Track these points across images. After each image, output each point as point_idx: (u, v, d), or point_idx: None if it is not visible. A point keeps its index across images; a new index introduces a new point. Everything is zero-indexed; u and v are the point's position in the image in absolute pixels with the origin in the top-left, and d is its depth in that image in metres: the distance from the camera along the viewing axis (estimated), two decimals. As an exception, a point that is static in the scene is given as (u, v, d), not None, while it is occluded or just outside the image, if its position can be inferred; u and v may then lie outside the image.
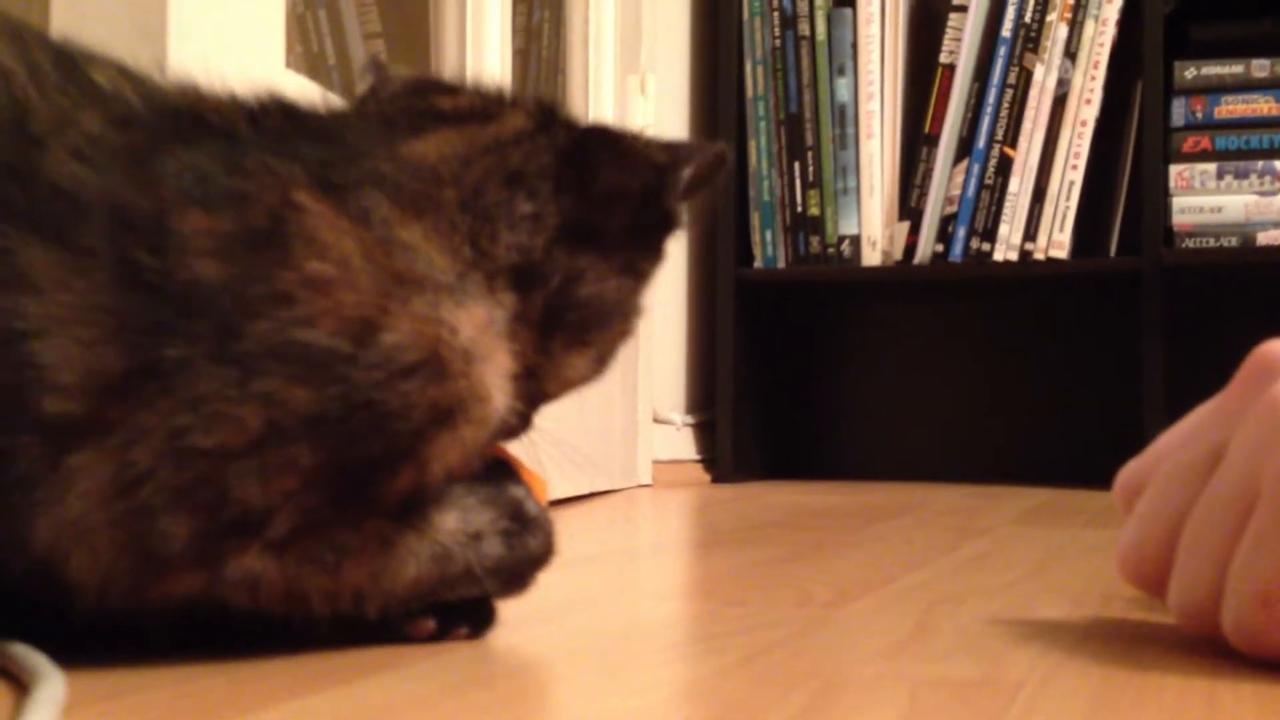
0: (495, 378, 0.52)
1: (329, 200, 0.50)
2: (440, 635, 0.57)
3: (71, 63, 0.52)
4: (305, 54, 1.74)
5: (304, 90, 1.16)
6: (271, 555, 0.49)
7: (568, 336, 0.56)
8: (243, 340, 0.47)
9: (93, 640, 0.51)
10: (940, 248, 1.97)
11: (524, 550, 0.56)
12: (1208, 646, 0.57)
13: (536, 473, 0.60)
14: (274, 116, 0.53)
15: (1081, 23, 1.95)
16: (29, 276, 0.47)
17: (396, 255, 0.50)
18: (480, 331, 0.52)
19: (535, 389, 0.57)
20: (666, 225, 0.59)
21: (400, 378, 0.49)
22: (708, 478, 2.05)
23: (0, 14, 0.53)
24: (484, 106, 0.58)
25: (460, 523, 0.54)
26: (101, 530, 0.47)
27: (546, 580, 0.58)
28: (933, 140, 1.99)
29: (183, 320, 0.47)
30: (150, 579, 0.49)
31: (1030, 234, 1.94)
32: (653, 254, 0.60)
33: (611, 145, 0.58)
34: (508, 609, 0.59)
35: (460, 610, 0.57)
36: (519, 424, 0.58)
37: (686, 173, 0.58)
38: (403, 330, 0.49)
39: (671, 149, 0.59)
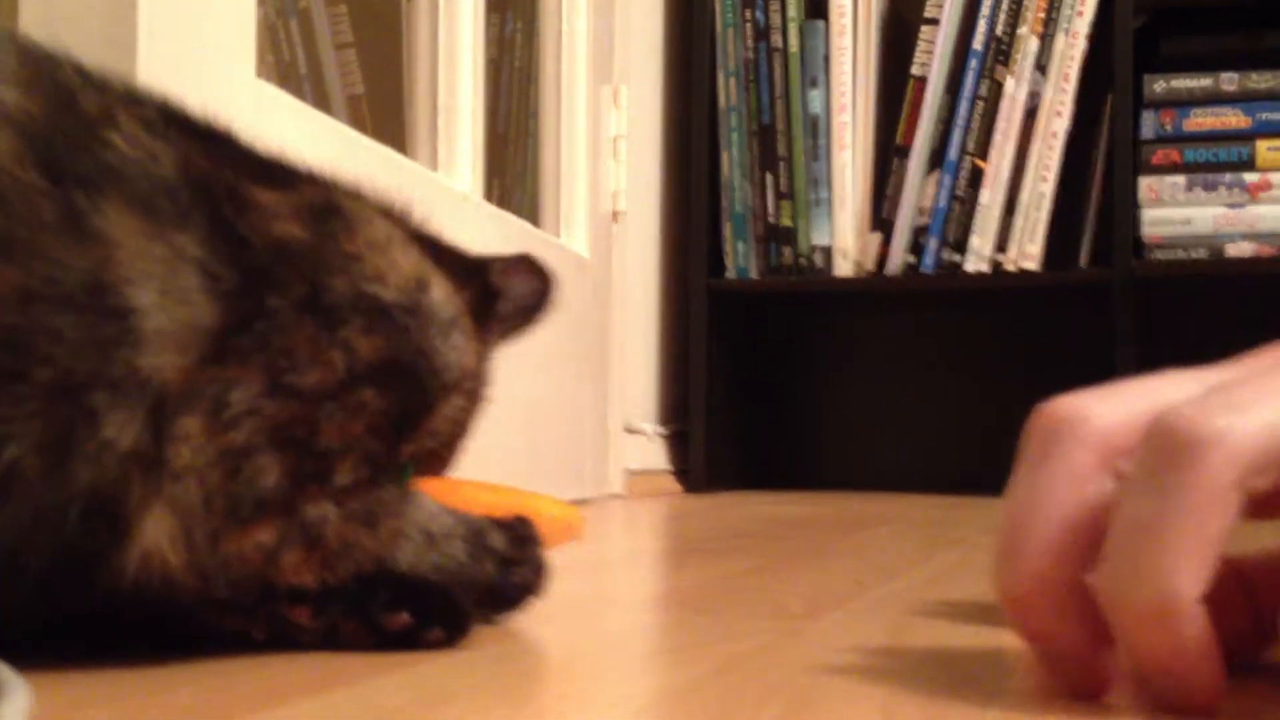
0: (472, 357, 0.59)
1: (334, 186, 0.57)
2: (414, 632, 0.56)
3: (93, 76, 0.53)
4: (276, 63, 1.74)
5: (275, 99, 1.15)
6: (335, 504, 0.52)
7: None
8: (328, 293, 0.52)
9: (53, 645, 0.50)
10: (912, 259, 1.98)
11: (482, 570, 0.59)
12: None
13: (555, 516, 0.65)
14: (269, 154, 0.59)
15: (1052, 36, 1.96)
16: (112, 235, 0.47)
17: (407, 238, 0.57)
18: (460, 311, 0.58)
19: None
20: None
21: (449, 330, 0.55)
22: (680, 488, 2.05)
23: (24, 37, 0.54)
24: None
25: (436, 510, 0.58)
26: (199, 473, 0.48)
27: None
28: (904, 152, 2.00)
29: (277, 271, 0.51)
30: (239, 523, 0.49)
31: (1001, 245, 1.95)
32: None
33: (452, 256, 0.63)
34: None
35: (434, 608, 0.57)
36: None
37: (498, 284, 0.64)
38: (441, 289, 0.56)
39: (485, 264, 0.65)
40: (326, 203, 0.54)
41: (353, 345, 0.52)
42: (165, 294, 0.47)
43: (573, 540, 0.71)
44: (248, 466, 0.49)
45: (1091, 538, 0.45)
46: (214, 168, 0.51)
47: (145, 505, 0.48)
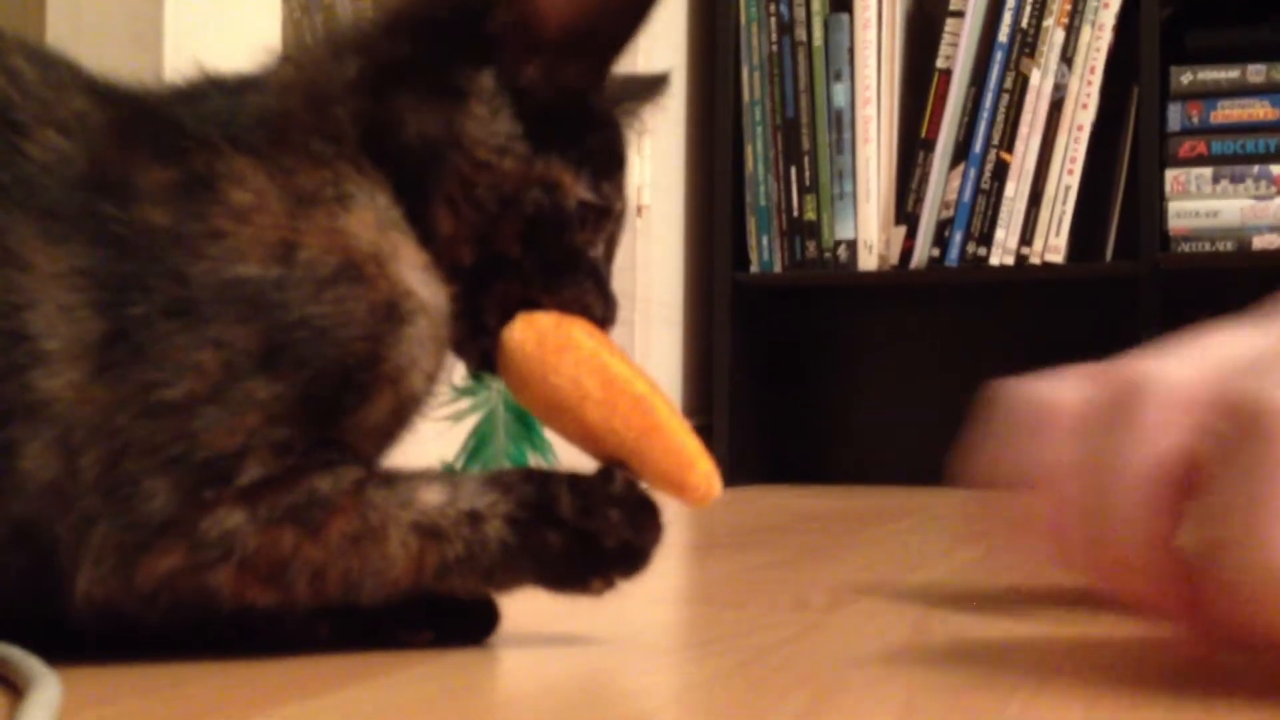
0: (409, 271, 0.53)
1: (235, 144, 0.53)
2: (440, 640, 0.56)
3: (52, 63, 0.53)
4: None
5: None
6: (246, 508, 0.49)
7: (418, 194, 0.55)
8: (189, 286, 0.49)
9: (88, 644, 0.51)
10: (936, 252, 1.98)
11: (543, 544, 0.53)
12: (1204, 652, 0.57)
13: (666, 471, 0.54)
14: (198, 88, 0.56)
15: (1078, 28, 1.95)
16: (20, 253, 0.48)
17: (289, 178, 0.52)
18: (375, 231, 0.53)
19: (445, 262, 0.55)
20: (478, 38, 0.56)
21: (326, 287, 0.50)
22: (704, 482, 2.05)
23: None
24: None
25: (445, 497, 0.52)
26: (100, 508, 0.48)
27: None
28: (929, 145, 2.00)
29: (142, 272, 0.49)
30: (136, 552, 0.48)
31: (1026, 238, 1.95)
32: (462, 69, 0.56)
33: None
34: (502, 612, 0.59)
35: (461, 614, 0.57)
36: (471, 326, 0.56)
37: None
38: (315, 245, 0.51)
39: None
40: (200, 173, 0.51)
41: (225, 340, 0.49)
42: (57, 313, 0.48)
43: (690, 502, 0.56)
44: (136, 494, 0.48)
45: (1181, 496, 0.45)
46: (118, 156, 0.51)
47: (70, 540, 0.48)
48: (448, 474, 0.54)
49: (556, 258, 0.57)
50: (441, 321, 0.54)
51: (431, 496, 0.52)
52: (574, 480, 0.54)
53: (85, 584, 0.49)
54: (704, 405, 2.10)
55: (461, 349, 0.58)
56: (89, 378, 0.48)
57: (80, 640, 0.50)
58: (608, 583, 0.54)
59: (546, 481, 0.54)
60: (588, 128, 0.58)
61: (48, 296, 0.48)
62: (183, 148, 0.52)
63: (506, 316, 0.56)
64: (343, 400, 0.51)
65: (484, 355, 0.57)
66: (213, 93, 0.56)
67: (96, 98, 0.52)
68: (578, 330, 0.56)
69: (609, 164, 0.60)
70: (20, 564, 0.49)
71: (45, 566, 0.49)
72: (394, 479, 0.52)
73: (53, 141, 0.50)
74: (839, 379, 2.27)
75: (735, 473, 2.04)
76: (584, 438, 0.56)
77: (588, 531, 0.53)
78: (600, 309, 0.58)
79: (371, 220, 0.53)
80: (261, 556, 0.50)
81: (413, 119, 0.55)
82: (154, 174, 0.51)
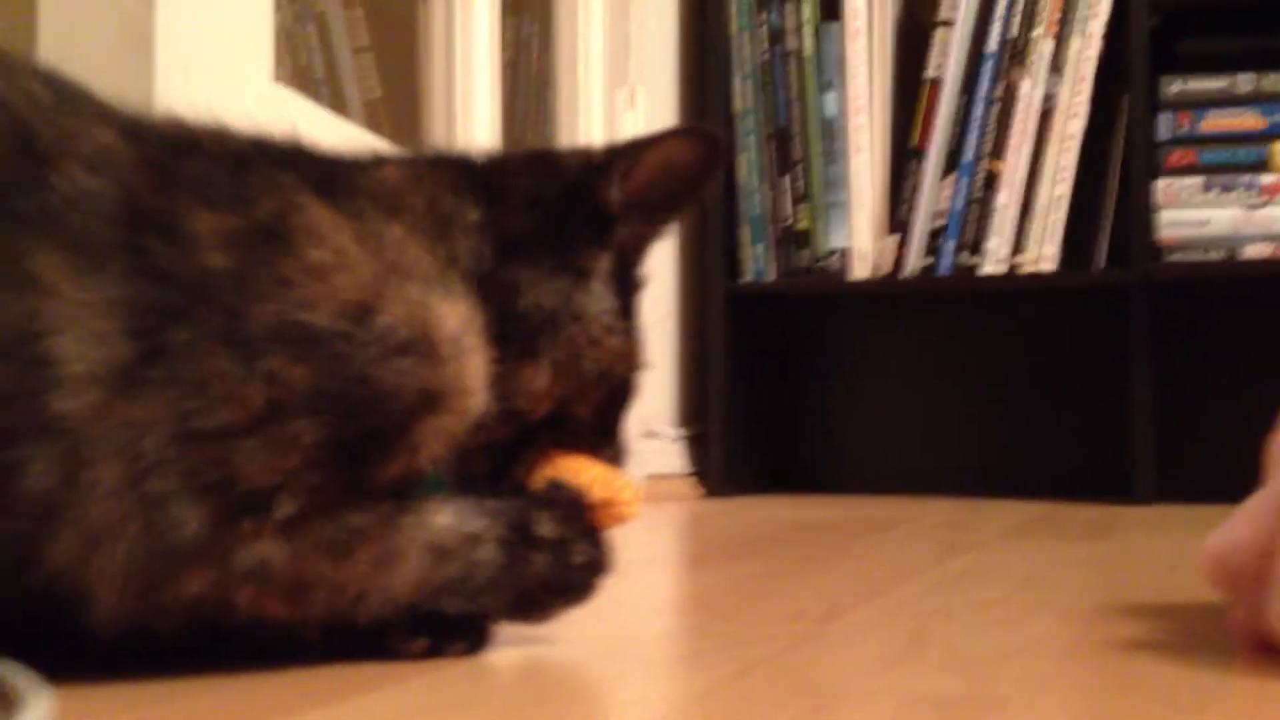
0: (477, 372, 0.55)
1: (326, 201, 0.54)
2: (434, 652, 0.56)
3: (65, 87, 0.54)
4: (294, 67, 1.74)
5: (292, 103, 1.16)
6: (282, 540, 0.50)
7: (519, 349, 0.58)
8: (247, 322, 0.50)
9: (86, 657, 0.51)
10: (929, 261, 1.98)
11: (528, 567, 0.56)
12: (1193, 662, 0.58)
13: (616, 489, 0.59)
14: (275, 144, 0.57)
15: (1067, 38, 1.96)
16: (43, 280, 0.48)
17: (387, 247, 0.54)
18: (464, 325, 0.55)
19: (508, 404, 0.57)
20: (599, 218, 0.61)
21: (394, 355, 0.52)
22: (699, 491, 2.05)
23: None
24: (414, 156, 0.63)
25: (454, 519, 0.55)
26: (118, 527, 0.48)
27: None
28: (920, 154, 2.00)
29: (192, 305, 0.49)
30: (164, 575, 0.49)
31: (1018, 247, 1.95)
32: (589, 249, 0.60)
33: (527, 157, 0.63)
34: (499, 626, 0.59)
35: (455, 626, 0.57)
36: (510, 443, 0.58)
37: (624, 165, 0.61)
38: (396, 313, 0.52)
39: (614, 147, 0.62)
40: (268, 224, 0.52)
41: (279, 376, 0.49)
42: (84, 340, 0.48)
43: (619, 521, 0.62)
44: (165, 518, 0.48)
45: None
46: (157, 198, 0.51)
47: (79, 555, 0.48)
48: (448, 496, 0.56)
49: (616, 420, 0.62)
50: (466, 428, 0.56)
51: (443, 519, 0.55)
52: (543, 500, 0.58)
53: (110, 603, 0.49)
54: (698, 414, 2.10)
55: (468, 467, 0.58)
56: (112, 396, 0.48)
57: (78, 654, 0.50)
58: (568, 604, 0.58)
59: (526, 504, 0.57)
60: (635, 292, 0.64)
61: (76, 323, 0.48)
62: (246, 196, 0.52)
63: (532, 463, 0.60)
64: (371, 457, 0.53)
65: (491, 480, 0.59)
66: (293, 151, 0.57)
67: (120, 131, 0.53)
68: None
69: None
70: (16, 579, 0.49)
71: (42, 581, 0.48)
72: (415, 504, 0.54)
73: (78, 175, 0.50)
74: (832, 387, 2.27)
75: (730, 482, 2.04)
76: None
77: (564, 547, 0.57)
78: (624, 462, 0.63)
79: (465, 313, 0.55)
80: (289, 579, 0.51)
81: (531, 291, 0.59)
82: (206, 218, 0.51)
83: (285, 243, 0.51)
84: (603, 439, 0.62)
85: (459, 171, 0.60)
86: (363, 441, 0.52)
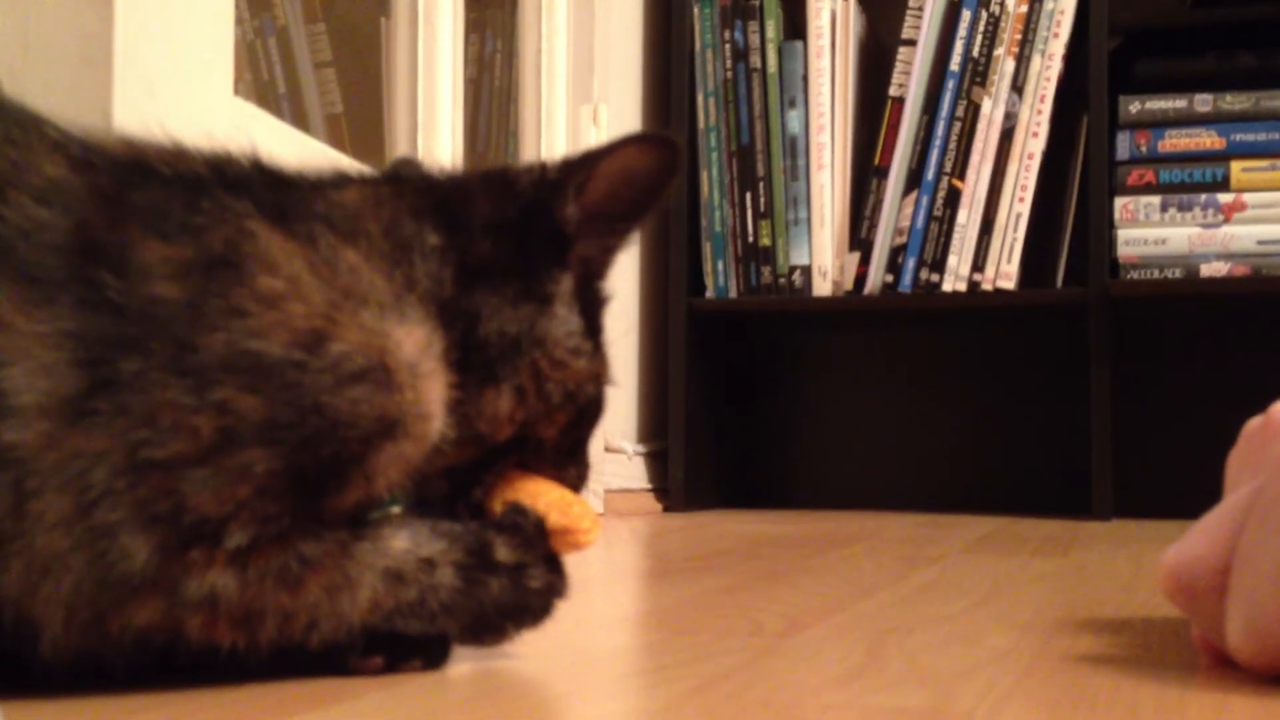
0: (436, 397, 0.55)
1: (279, 228, 0.53)
2: (389, 669, 0.56)
3: (14, 115, 0.53)
4: (255, 82, 1.74)
5: (253, 118, 1.15)
6: (233, 569, 0.50)
7: (480, 375, 0.57)
8: (198, 352, 0.49)
9: (29, 678, 0.50)
10: (890, 278, 1.99)
11: (485, 591, 0.56)
12: (1153, 676, 0.58)
13: (574, 517, 0.59)
14: (231, 166, 0.56)
15: (1028, 57, 1.98)
16: None
17: (341, 274, 0.53)
18: (422, 351, 0.54)
19: (469, 429, 0.57)
20: (558, 240, 0.60)
21: (349, 383, 0.51)
22: (659, 507, 2.05)
23: None
24: (374, 176, 0.62)
25: (410, 543, 0.55)
26: (66, 557, 0.47)
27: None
28: (882, 172, 2.01)
29: (142, 336, 0.49)
30: (113, 605, 0.49)
31: (978, 265, 1.96)
32: (550, 271, 0.60)
33: (485, 177, 0.62)
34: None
35: (412, 643, 0.56)
36: (470, 466, 0.58)
37: (579, 179, 0.60)
38: (350, 340, 0.52)
39: (569, 161, 0.61)
40: (219, 253, 0.51)
41: (230, 406, 0.49)
42: (34, 371, 0.47)
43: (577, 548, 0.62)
44: (113, 548, 0.48)
45: None
46: (108, 229, 0.50)
47: (25, 583, 0.48)
48: (405, 518, 0.55)
49: (583, 440, 0.62)
50: (424, 454, 0.55)
51: (399, 543, 0.54)
52: (500, 525, 0.58)
53: (58, 633, 0.49)
54: (659, 430, 2.10)
55: (425, 490, 0.58)
56: (61, 426, 0.47)
57: (21, 673, 0.50)
58: (524, 627, 0.58)
59: (484, 528, 0.57)
60: (600, 307, 0.63)
61: (26, 355, 0.48)
62: (197, 225, 0.52)
63: (492, 485, 0.59)
64: (326, 486, 0.52)
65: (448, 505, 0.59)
66: (249, 173, 0.56)
67: (70, 161, 0.52)
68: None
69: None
70: None
71: None
72: (369, 530, 0.54)
73: (28, 207, 0.50)
74: (793, 404, 2.27)
75: (691, 497, 2.04)
76: None
77: (521, 571, 0.57)
78: (585, 483, 0.63)
79: (422, 338, 0.54)
80: (240, 609, 0.51)
81: (493, 318, 0.58)
82: (157, 249, 0.50)
83: (237, 271, 0.51)
84: (568, 458, 0.61)
85: (419, 194, 0.59)
86: (318, 471, 0.51)
